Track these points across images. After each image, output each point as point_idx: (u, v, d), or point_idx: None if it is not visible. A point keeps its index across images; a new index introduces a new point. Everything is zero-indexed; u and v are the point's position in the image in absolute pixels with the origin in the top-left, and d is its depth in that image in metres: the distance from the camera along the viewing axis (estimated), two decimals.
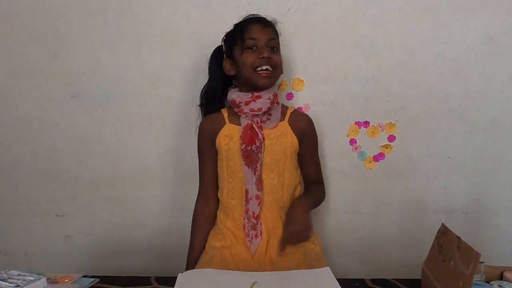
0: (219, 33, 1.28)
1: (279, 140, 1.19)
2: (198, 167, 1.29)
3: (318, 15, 1.39)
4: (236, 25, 1.24)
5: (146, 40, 1.41)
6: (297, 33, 1.38)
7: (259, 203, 1.17)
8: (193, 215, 1.28)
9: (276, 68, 1.20)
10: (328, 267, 1.07)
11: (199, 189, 1.30)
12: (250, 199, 1.17)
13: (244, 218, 1.19)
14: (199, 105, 1.32)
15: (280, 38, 1.25)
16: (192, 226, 1.28)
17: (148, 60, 1.42)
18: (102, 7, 1.41)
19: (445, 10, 1.38)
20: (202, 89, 1.30)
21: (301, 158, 1.26)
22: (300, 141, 1.23)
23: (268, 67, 1.17)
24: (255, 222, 1.17)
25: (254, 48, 1.17)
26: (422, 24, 1.39)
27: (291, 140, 1.21)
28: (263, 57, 1.16)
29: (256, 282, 0.99)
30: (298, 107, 1.42)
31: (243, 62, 1.18)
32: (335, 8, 1.38)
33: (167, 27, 1.40)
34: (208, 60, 1.30)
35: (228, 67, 1.24)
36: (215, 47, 1.30)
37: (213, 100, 1.28)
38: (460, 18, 1.38)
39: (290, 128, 1.22)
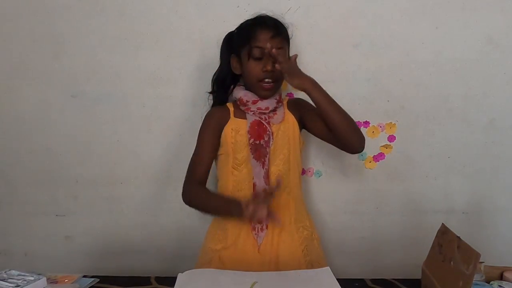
0: (219, 33, 1.27)
1: (282, 126, 1.20)
2: (193, 152, 1.23)
3: (318, 15, 1.39)
4: (247, 24, 1.21)
5: (146, 40, 1.41)
6: (297, 33, 1.37)
7: None
8: (192, 196, 1.19)
9: (279, 80, 1.19)
10: (328, 267, 1.07)
11: (190, 176, 1.20)
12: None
13: None
14: (210, 92, 1.30)
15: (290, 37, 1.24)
16: (200, 198, 1.18)
17: (148, 60, 1.42)
18: (102, 7, 1.40)
19: (445, 10, 1.38)
20: (214, 75, 1.29)
21: (315, 122, 1.21)
22: (300, 119, 1.24)
23: (270, 80, 1.17)
24: None
25: (260, 58, 1.16)
26: (422, 24, 1.39)
27: (292, 125, 1.22)
28: (266, 70, 1.15)
29: (256, 282, 0.99)
30: None
31: (248, 70, 1.18)
32: (335, 8, 1.38)
33: (167, 27, 1.40)
34: (220, 45, 1.28)
35: (235, 65, 1.23)
36: (223, 38, 1.27)
37: (222, 87, 1.28)
38: (460, 18, 1.38)
39: (290, 113, 1.23)
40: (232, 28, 1.26)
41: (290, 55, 1.27)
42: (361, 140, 1.17)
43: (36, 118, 1.48)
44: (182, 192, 1.20)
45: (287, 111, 1.24)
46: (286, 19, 1.31)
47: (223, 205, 1.15)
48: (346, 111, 1.44)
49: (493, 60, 1.41)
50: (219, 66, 1.28)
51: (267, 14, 1.22)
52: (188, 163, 1.25)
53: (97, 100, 1.45)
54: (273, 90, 1.20)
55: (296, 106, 1.26)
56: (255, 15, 1.22)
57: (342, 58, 1.41)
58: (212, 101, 1.31)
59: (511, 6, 1.38)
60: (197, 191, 1.19)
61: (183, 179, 1.47)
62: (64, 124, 1.48)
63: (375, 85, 1.42)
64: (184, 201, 1.20)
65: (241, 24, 1.23)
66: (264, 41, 1.14)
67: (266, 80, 1.16)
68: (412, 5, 1.38)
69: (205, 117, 1.26)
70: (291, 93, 1.42)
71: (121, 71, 1.43)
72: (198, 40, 1.40)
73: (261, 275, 1.04)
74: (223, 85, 1.28)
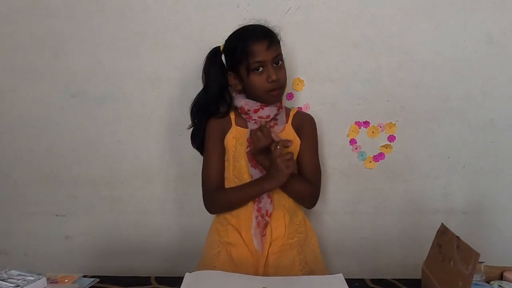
0: (219, 33, 1.27)
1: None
2: (202, 165, 1.24)
3: (318, 15, 1.39)
4: (237, 40, 1.16)
5: (146, 40, 1.41)
6: (297, 33, 1.38)
7: (271, 201, 1.18)
8: (218, 204, 1.21)
9: (284, 86, 1.19)
10: (341, 274, 1.06)
11: (208, 184, 1.21)
12: (262, 198, 1.17)
13: (256, 217, 1.18)
14: (189, 127, 1.28)
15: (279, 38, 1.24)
16: (227, 199, 1.20)
17: (148, 60, 1.42)
18: (102, 7, 1.40)
19: (445, 10, 1.38)
20: (196, 97, 1.25)
21: (299, 157, 1.23)
22: (300, 139, 1.23)
23: (277, 88, 1.16)
24: (268, 220, 1.17)
25: (261, 69, 1.14)
26: (422, 24, 1.39)
27: (294, 142, 1.21)
28: (272, 81, 1.14)
29: (265, 287, 0.98)
30: (298, 107, 1.42)
31: (252, 84, 1.16)
32: (335, 8, 1.38)
33: (167, 27, 1.40)
34: (203, 64, 1.24)
35: (234, 82, 1.21)
36: (206, 55, 1.24)
37: (205, 112, 1.24)
38: (460, 18, 1.38)
39: (293, 130, 1.23)
40: (232, 28, 1.22)
41: (285, 56, 1.25)
42: (312, 205, 1.27)
43: (36, 118, 1.48)
44: (207, 208, 1.22)
45: (289, 126, 1.23)
46: (286, 19, 1.31)
47: (254, 186, 1.15)
48: (346, 111, 1.45)
49: (493, 60, 1.40)
50: (203, 88, 1.24)
51: (251, 24, 1.20)
52: (188, 162, 1.24)
53: (97, 100, 1.46)
54: (281, 96, 1.21)
55: (301, 126, 1.25)
56: (240, 27, 1.19)
57: (342, 58, 1.41)
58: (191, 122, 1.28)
59: (511, 6, 1.38)
60: (220, 196, 1.20)
61: (183, 179, 1.48)
62: (64, 124, 1.48)
63: (375, 85, 1.42)
64: (211, 213, 1.24)
65: (230, 40, 1.18)
66: (261, 53, 1.13)
67: (274, 90, 1.15)
68: (412, 5, 1.38)
69: (206, 128, 1.24)
70: (291, 93, 1.42)
71: (121, 71, 1.44)
72: (198, 40, 1.40)
73: (270, 280, 1.03)
74: (205, 109, 1.23)
